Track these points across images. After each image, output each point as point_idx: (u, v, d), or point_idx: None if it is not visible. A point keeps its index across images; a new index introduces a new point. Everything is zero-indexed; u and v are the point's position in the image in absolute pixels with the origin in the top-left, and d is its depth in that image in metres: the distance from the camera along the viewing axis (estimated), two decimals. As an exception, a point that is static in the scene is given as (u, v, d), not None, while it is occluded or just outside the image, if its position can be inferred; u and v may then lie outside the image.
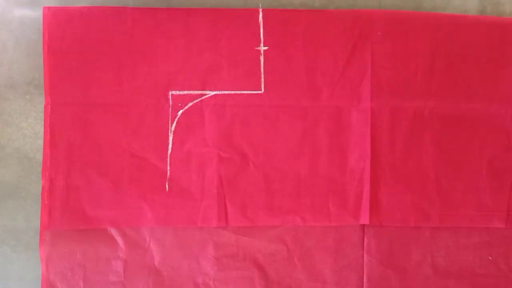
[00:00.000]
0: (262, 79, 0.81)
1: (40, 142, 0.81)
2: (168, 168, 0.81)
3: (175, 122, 0.81)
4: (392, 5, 0.84)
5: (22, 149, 0.82)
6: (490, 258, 0.85)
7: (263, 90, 0.81)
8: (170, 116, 0.81)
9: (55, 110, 0.80)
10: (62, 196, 0.80)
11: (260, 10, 0.81)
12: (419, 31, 0.83)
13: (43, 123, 0.80)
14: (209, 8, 0.81)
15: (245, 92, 0.81)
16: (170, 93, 0.80)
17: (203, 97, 0.81)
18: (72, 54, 0.79)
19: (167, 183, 0.81)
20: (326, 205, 0.83)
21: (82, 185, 0.80)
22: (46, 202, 0.79)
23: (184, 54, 0.81)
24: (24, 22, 0.81)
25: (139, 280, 0.81)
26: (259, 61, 0.81)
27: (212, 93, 0.81)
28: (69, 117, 0.80)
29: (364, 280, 0.83)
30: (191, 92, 0.81)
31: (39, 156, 0.81)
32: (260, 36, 0.81)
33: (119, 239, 0.81)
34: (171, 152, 0.81)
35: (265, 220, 0.82)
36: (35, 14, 0.80)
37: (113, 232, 0.81)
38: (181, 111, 0.81)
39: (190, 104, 0.81)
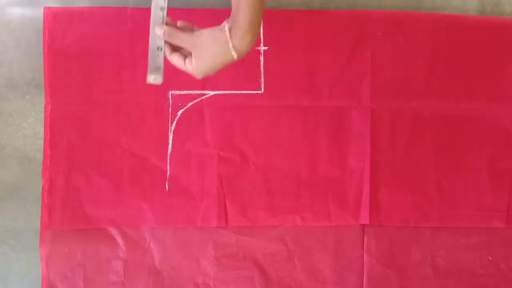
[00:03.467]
0: (262, 79, 0.81)
1: (40, 142, 0.81)
2: (168, 168, 0.81)
3: (175, 122, 0.81)
4: (392, 5, 0.84)
5: (22, 149, 0.82)
6: (490, 258, 0.85)
7: (263, 90, 0.81)
8: (170, 116, 0.81)
9: (55, 110, 0.80)
10: (62, 196, 0.80)
11: (260, 10, 0.81)
12: (419, 31, 0.83)
13: (43, 123, 0.80)
14: (209, 8, 0.81)
15: (245, 92, 0.81)
16: (170, 93, 0.80)
17: (203, 97, 0.81)
18: (72, 54, 0.79)
19: (167, 183, 0.81)
20: (326, 205, 0.83)
21: (82, 185, 0.80)
22: (46, 202, 0.79)
23: (184, 54, 0.80)
24: (24, 22, 0.81)
25: (139, 280, 0.81)
26: (259, 61, 0.81)
27: (212, 93, 0.81)
28: (69, 117, 0.80)
29: (364, 280, 0.83)
30: (191, 92, 0.81)
31: (39, 156, 0.81)
32: (260, 36, 0.81)
33: (119, 239, 0.81)
34: (171, 152, 0.81)
35: (265, 220, 0.82)
36: (35, 14, 0.80)
37: (113, 232, 0.81)
38: (181, 111, 0.81)
39: (190, 104, 0.81)
